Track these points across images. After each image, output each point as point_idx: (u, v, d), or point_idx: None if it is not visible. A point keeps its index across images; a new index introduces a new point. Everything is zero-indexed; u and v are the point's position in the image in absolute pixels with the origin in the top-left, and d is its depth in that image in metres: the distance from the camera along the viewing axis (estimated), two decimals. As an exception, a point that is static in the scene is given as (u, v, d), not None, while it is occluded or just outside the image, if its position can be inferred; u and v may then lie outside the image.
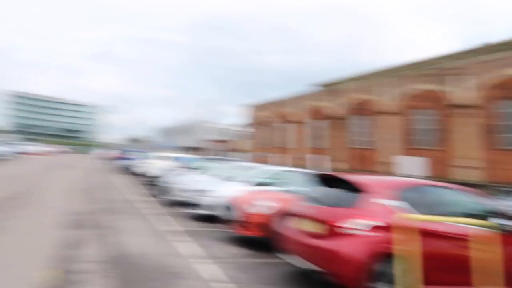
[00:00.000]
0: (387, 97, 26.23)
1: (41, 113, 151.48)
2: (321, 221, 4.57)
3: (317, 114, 33.29)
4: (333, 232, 4.37)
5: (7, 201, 9.87)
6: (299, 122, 35.33)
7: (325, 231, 4.46)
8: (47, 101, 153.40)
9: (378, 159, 26.48)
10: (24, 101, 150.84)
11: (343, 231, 4.32)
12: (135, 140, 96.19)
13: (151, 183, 15.63)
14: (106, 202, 11.14)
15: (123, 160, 25.09)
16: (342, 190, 4.98)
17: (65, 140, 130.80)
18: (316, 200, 5.15)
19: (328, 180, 5.43)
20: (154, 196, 13.11)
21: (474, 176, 20.03)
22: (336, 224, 4.39)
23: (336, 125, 30.66)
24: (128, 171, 22.89)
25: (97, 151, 62.27)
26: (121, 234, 7.07)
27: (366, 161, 27.89)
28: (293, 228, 5.16)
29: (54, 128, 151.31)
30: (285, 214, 5.99)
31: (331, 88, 32.61)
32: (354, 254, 4.19)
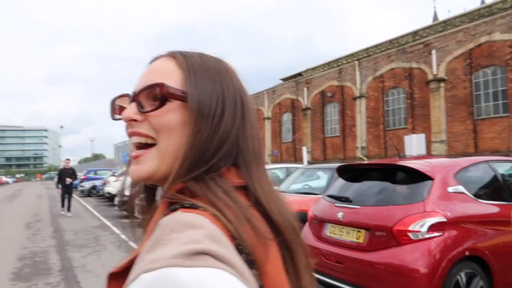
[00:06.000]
0: (355, 82, 25.66)
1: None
2: (373, 227, 3.39)
3: (286, 107, 32.43)
4: (396, 240, 3.18)
5: None
6: (267, 118, 34.26)
7: (382, 239, 3.29)
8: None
9: (354, 145, 25.83)
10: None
11: (414, 236, 3.13)
12: (95, 159, 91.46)
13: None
14: (75, 232, 9.58)
15: (88, 181, 23.09)
16: (388, 181, 3.81)
17: (13, 169, 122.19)
18: (345, 199, 3.94)
19: (350, 172, 4.28)
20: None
21: (450, 149, 19.81)
22: (401, 228, 3.19)
23: (305, 116, 29.83)
24: (94, 192, 20.99)
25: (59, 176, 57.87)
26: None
27: (337, 149, 27.28)
28: (320, 238, 3.94)
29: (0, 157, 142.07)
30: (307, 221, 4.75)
31: (299, 80, 31.69)
32: (432, 267, 3.02)
